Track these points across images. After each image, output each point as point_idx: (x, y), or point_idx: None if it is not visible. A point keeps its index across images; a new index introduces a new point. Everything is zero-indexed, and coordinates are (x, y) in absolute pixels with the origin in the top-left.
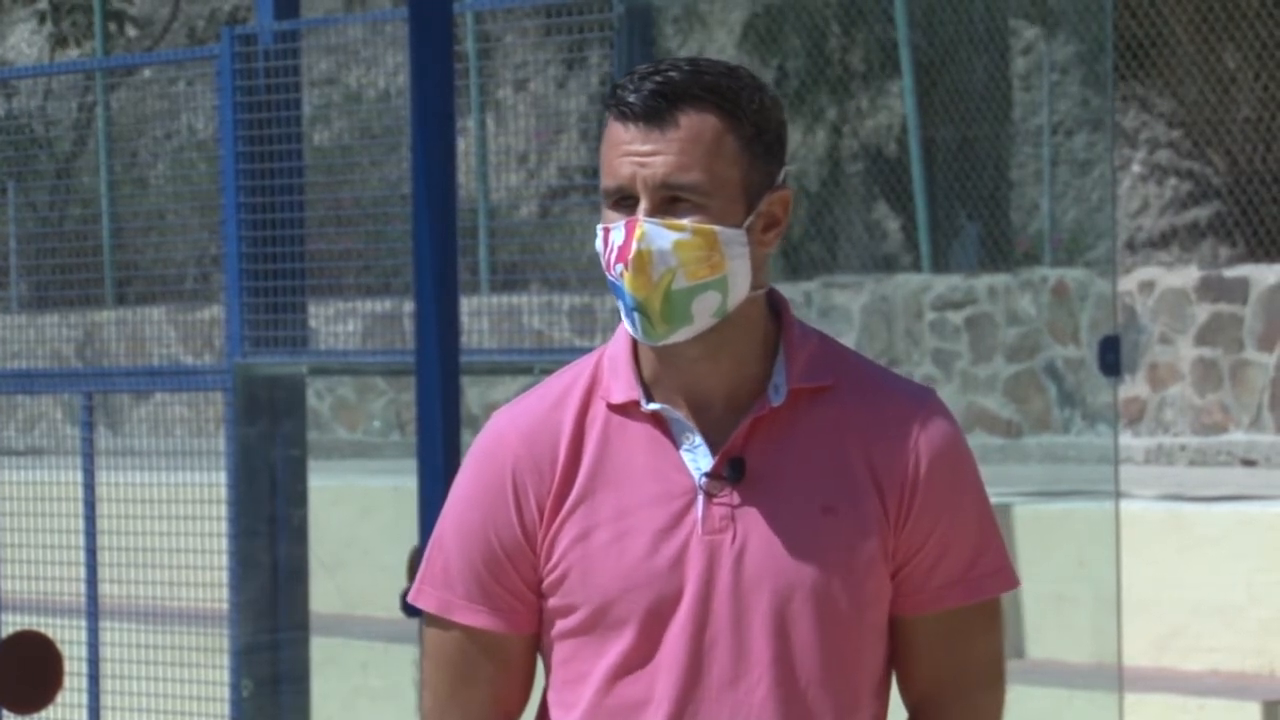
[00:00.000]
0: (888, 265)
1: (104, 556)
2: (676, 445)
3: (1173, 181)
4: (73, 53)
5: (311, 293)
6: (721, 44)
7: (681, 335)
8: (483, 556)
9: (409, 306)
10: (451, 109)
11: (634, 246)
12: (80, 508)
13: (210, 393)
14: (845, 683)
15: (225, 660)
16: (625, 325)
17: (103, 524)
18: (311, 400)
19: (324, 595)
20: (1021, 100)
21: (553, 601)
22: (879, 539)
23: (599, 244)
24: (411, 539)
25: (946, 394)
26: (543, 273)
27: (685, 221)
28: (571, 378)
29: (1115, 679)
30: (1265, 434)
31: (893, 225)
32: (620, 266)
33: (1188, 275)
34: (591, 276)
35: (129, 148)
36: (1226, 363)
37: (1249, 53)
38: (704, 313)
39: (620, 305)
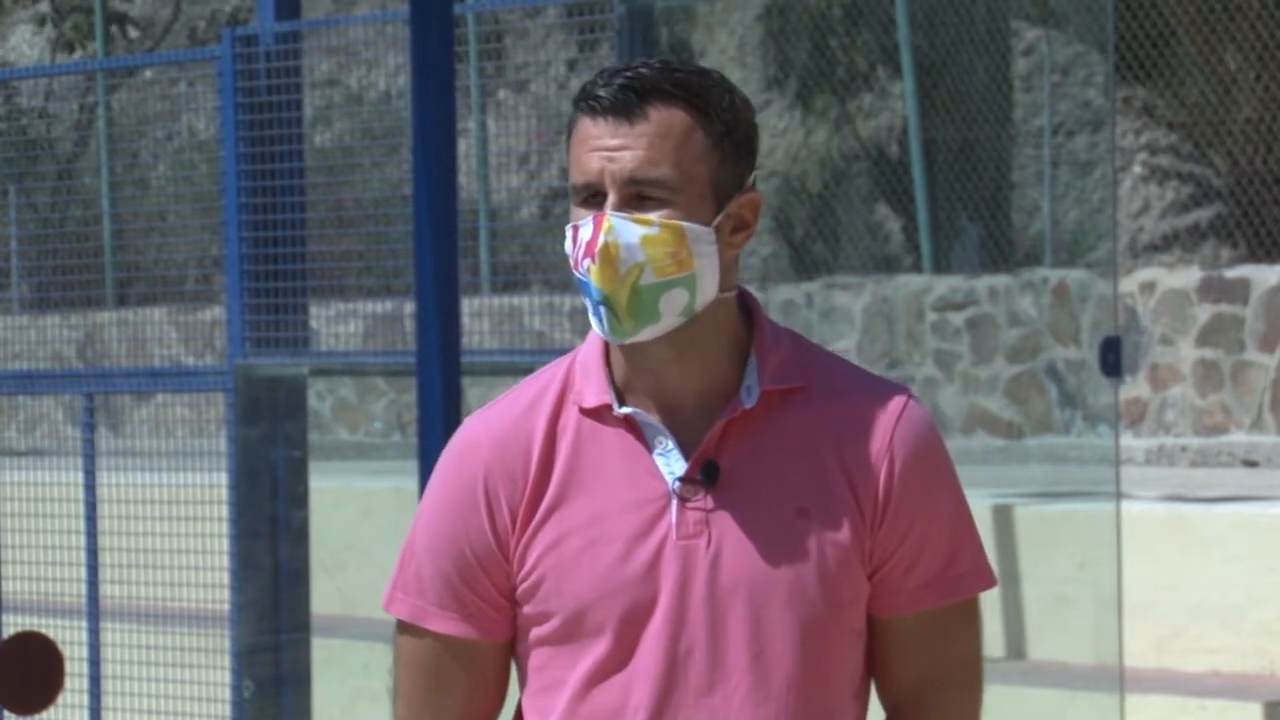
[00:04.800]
0: (889, 266)
1: (105, 557)
2: (649, 450)
3: (1174, 183)
4: (74, 54)
5: (312, 294)
6: (724, 45)
7: (648, 333)
8: (455, 564)
9: (410, 307)
10: (452, 110)
11: (601, 239)
12: (81, 509)
13: (211, 394)
14: (824, 686)
15: (226, 661)
16: (593, 324)
17: (104, 525)
18: (312, 401)
19: (325, 596)
20: (1022, 101)
21: (527, 609)
22: (855, 540)
23: (568, 244)
24: None
25: (947, 395)
26: (543, 274)
27: (653, 216)
28: (544, 382)
29: (1116, 680)
30: (1266, 435)
31: (894, 226)
32: (588, 261)
33: (1189, 276)
34: None
35: (130, 149)
36: (1227, 364)
37: (1250, 54)
38: (671, 311)
39: (587, 303)
